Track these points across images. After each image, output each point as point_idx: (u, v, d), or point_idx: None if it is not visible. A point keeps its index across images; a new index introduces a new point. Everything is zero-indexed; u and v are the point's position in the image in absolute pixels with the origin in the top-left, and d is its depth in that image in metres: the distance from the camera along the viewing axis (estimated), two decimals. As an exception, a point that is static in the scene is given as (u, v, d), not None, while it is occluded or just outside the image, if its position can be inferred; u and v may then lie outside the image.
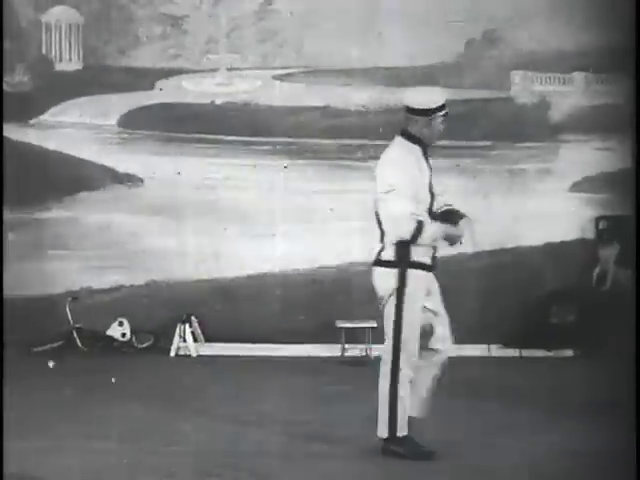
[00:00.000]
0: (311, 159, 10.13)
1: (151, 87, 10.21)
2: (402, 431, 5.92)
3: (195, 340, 9.75)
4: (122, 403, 7.42)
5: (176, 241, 9.99)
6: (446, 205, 6.13)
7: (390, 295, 5.92)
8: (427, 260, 6.00)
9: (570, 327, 9.51)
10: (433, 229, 5.93)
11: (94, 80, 10.15)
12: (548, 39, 9.98)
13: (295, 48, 10.17)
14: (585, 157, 10.02)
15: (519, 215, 9.90)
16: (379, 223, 6.02)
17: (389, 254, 5.97)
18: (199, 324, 9.82)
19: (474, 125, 10.02)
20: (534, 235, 9.90)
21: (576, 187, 10.07)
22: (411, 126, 6.06)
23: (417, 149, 6.06)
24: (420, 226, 5.87)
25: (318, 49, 10.11)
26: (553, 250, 9.96)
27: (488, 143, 10.04)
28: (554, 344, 9.45)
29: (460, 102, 9.96)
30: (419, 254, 5.95)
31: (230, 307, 9.96)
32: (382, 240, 6.01)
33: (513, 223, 9.89)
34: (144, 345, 9.78)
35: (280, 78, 10.21)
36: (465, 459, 5.92)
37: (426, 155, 6.10)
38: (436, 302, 6.07)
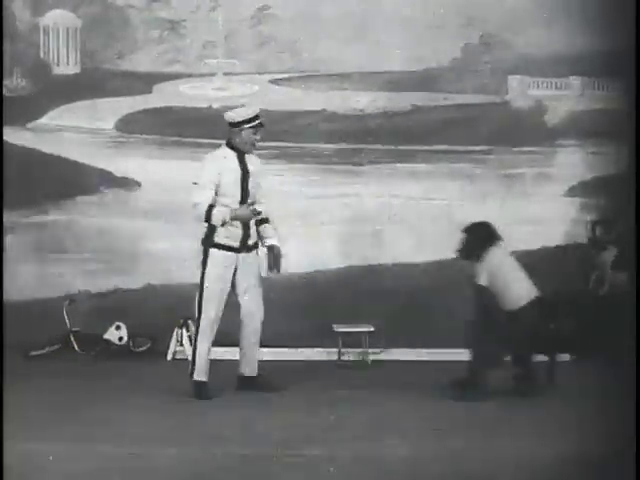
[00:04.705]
0: (308, 163, 10.14)
1: (148, 91, 10.22)
2: (199, 376, 7.73)
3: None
4: (119, 407, 7.42)
5: (174, 245, 9.98)
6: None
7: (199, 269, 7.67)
8: (232, 243, 7.61)
9: (567, 332, 9.51)
10: (221, 212, 7.49)
11: (92, 84, 10.16)
12: (544, 44, 10.00)
13: (292, 53, 10.18)
14: (581, 162, 10.04)
15: (516, 219, 9.90)
16: None
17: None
18: (196, 328, 9.80)
19: (471, 130, 10.04)
20: (531, 239, 9.91)
21: (572, 191, 10.09)
22: (230, 136, 7.65)
23: (232, 154, 7.64)
24: (209, 210, 7.48)
25: (315, 54, 10.13)
26: (549, 254, 9.97)
27: (485, 148, 10.05)
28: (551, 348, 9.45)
29: (457, 107, 10.01)
30: (221, 236, 7.59)
31: (227, 311, 9.94)
32: None
33: (510, 227, 9.88)
34: (141, 349, 9.76)
35: (277, 83, 10.22)
36: (463, 461, 5.92)
37: (242, 159, 7.63)
38: (244, 281, 7.79)
